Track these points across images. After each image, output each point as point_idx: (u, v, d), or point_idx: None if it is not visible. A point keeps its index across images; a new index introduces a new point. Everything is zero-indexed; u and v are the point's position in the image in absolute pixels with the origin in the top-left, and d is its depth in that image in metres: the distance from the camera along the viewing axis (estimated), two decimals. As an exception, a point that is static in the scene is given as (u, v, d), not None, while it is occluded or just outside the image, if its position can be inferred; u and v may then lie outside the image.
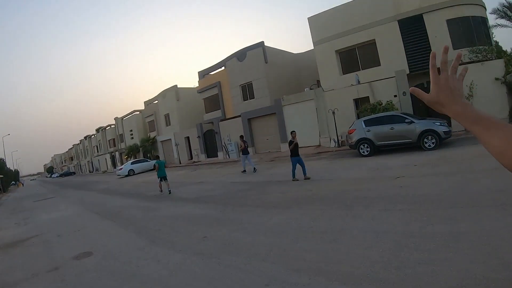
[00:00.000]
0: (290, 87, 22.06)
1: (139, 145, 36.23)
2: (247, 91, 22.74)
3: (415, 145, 10.63)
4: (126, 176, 26.55)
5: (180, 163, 29.39)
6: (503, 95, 12.89)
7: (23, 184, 60.53)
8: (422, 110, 14.50)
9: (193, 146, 28.71)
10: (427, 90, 0.83)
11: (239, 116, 22.85)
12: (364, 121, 11.77)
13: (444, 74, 0.76)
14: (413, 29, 15.04)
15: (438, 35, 14.50)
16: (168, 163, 30.67)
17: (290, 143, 9.08)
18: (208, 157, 26.81)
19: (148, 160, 29.13)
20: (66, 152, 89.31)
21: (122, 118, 42.51)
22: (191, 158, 29.11)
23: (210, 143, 26.59)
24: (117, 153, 44.90)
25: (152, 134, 35.76)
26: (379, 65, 16.14)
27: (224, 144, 24.52)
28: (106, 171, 47.96)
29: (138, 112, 39.90)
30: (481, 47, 14.03)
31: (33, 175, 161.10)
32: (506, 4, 15.41)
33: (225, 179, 12.59)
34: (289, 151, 9.31)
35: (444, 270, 2.78)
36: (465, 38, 14.55)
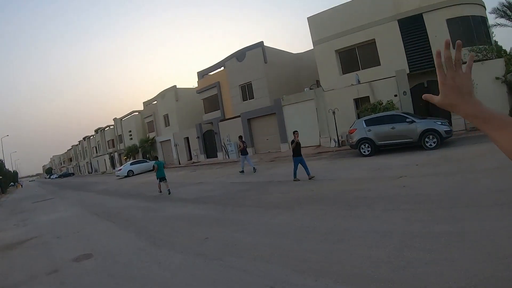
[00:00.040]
0: (289, 87, 22.02)
1: (138, 146, 36.13)
2: (247, 91, 22.68)
3: (416, 145, 10.60)
4: (125, 177, 26.50)
5: (179, 163, 29.31)
6: (503, 94, 12.88)
7: (22, 185, 60.37)
8: (422, 109, 14.50)
9: (192, 147, 28.63)
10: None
11: (239, 116, 22.79)
12: (365, 120, 11.73)
13: (450, 72, 0.74)
14: (413, 29, 15.02)
15: (438, 35, 14.48)
16: (167, 163, 30.60)
17: (292, 142, 9.02)
18: (207, 157, 26.74)
19: (147, 160, 29.06)
20: (65, 153, 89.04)
21: (121, 118, 42.39)
22: (191, 159, 29.04)
23: (209, 143, 26.53)
24: (116, 154, 44.78)
25: (151, 135, 35.67)
26: (379, 64, 16.11)
27: (223, 145, 24.45)
28: (105, 172, 47.84)
29: (137, 113, 39.78)
30: (481, 46, 14.02)
31: (32, 176, 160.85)
32: (505, 3, 15.40)
33: (225, 179, 12.53)
34: (289, 151, 9.26)
35: (451, 270, 2.75)
36: (465, 37, 14.51)
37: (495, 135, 0.68)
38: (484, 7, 15.58)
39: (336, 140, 15.89)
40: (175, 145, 29.82)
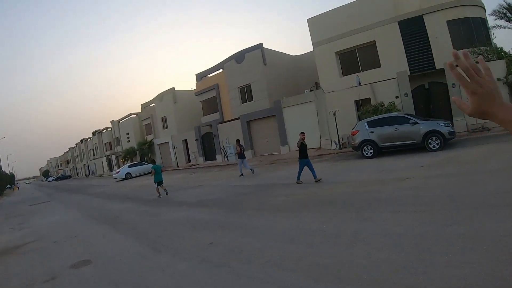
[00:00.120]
0: (288, 89, 21.89)
1: (136, 148, 35.84)
2: (246, 93, 22.53)
3: (419, 146, 10.49)
4: (123, 179, 26.24)
5: (178, 166, 29.08)
6: (505, 96, 12.84)
7: (18, 187, 59.98)
8: (423, 111, 14.43)
9: (191, 149, 28.41)
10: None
11: (238, 118, 22.62)
12: (367, 122, 11.60)
13: (475, 80, 0.72)
14: (413, 31, 14.98)
15: (439, 36, 14.46)
16: (165, 166, 30.37)
17: (300, 144, 8.82)
18: (206, 160, 26.52)
19: (145, 163, 28.82)
20: (62, 155, 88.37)
21: (118, 121, 42.10)
22: (189, 161, 28.81)
23: (208, 146, 26.32)
24: (113, 157, 44.42)
25: (149, 137, 35.41)
26: (379, 66, 16.06)
27: (222, 147, 24.26)
28: (102, 174, 47.46)
29: (134, 115, 39.50)
30: (482, 47, 13.99)
31: (29, 178, 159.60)
32: (505, 5, 15.39)
33: (225, 182, 12.35)
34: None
35: (473, 272, 2.65)
36: (465, 39, 14.51)
37: None
38: (484, 9, 15.59)
39: (337, 142, 15.76)
40: (174, 148, 29.59)
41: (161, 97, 32.05)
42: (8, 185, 59.30)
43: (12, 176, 70.73)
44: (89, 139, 56.23)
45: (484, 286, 2.43)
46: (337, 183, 7.99)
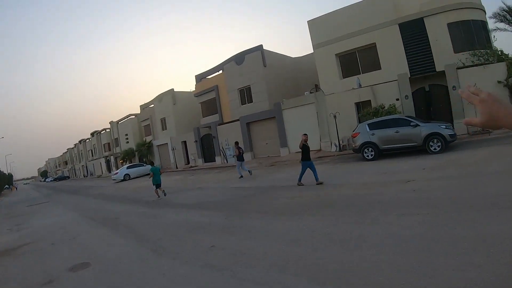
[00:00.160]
0: (288, 91, 21.87)
1: (135, 150, 35.70)
2: (245, 95, 22.47)
3: (420, 149, 10.45)
4: (122, 180, 26.09)
5: (176, 167, 28.97)
6: (505, 98, 12.82)
7: (16, 188, 59.71)
8: (424, 113, 14.41)
9: (190, 151, 28.30)
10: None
11: (237, 120, 22.56)
12: (368, 124, 11.56)
13: (482, 94, 0.80)
14: (414, 33, 14.97)
15: (439, 39, 14.46)
16: (164, 167, 30.23)
17: (302, 145, 8.75)
18: (205, 161, 26.42)
19: (144, 164, 28.68)
20: (61, 156, 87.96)
21: (117, 122, 41.96)
22: (188, 163, 28.69)
23: (207, 147, 26.22)
24: (112, 158, 44.24)
25: (148, 138, 35.28)
26: (380, 68, 16.04)
27: (222, 149, 24.18)
28: (101, 175, 47.25)
29: (133, 116, 39.37)
30: (482, 50, 14.00)
31: (27, 179, 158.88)
32: (505, 8, 15.44)
33: (225, 184, 12.27)
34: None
35: (481, 276, 2.62)
36: (466, 41, 14.53)
37: None
38: (484, 11, 15.61)
39: (337, 145, 15.71)
40: (173, 149, 29.48)
41: (160, 98, 31.96)
42: (6, 185, 59.06)
43: (10, 176, 70.37)
44: (87, 140, 56.00)
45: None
46: (338, 186, 7.93)
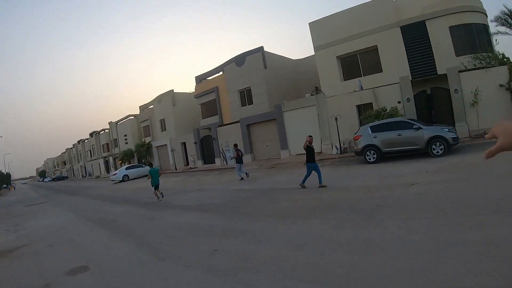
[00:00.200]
0: (289, 93, 21.80)
1: (134, 150, 35.54)
2: (246, 97, 22.39)
3: (422, 152, 10.37)
4: (121, 181, 25.93)
5: (176, 169, 28.82)
6: (507, 101, 12.81)
7: (14, 187, 59.47)
8: (425, 116, 14.35)
9: (189, 152, 28.17)
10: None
11: (238, 122, 22.46)
12: (370, 127, 11.48)
13: (502, 122, 0.90)
14: (415, 36, 14.94)
15: (441, 42, 14.44)
16: (163, 169, 30.07)
17: (306, 147, 8.64)
18: (205, 163, 26.28)
19: (143, 165, 28.54)
20: (59, 156, 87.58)
21: (116, 122, 41.80)
22: (188, 164, 28.56)
23: (207, 149, 26.10)
24: (111, 158, 44.05)
25: (147, 139, 35.13)
26: (381, 71, 15.98)
27: (221, 151, 24.06)
28: (99, 176, 47.03)
29: (133, 117, 39.23)
30: (483, 53, 13.98)
31: (25, 178, 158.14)
32: (507, 12, 15.43)
33: (225, 186, 12.15)
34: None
35: (494, 281, 2.54)
36: (467, 45, 14.51)
37: None
38: (486, 15, 15.61)
39: (338, 147, 15.63)
40: (172, 150, 29.34)
41: (160, 99, 31.85)
42: (4, 185, 58.86)
43: (8, 175, 70.12)
44: (86, 140, 55.79)
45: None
46: (341, 189, 7.83)
